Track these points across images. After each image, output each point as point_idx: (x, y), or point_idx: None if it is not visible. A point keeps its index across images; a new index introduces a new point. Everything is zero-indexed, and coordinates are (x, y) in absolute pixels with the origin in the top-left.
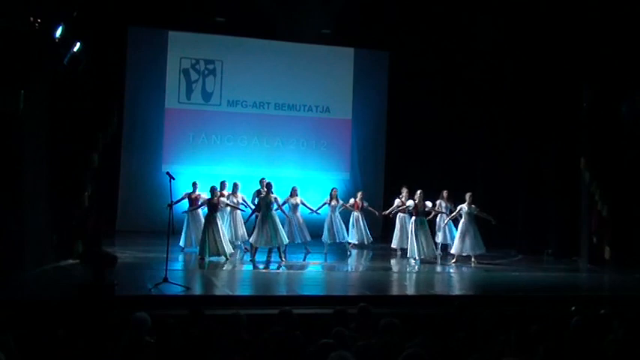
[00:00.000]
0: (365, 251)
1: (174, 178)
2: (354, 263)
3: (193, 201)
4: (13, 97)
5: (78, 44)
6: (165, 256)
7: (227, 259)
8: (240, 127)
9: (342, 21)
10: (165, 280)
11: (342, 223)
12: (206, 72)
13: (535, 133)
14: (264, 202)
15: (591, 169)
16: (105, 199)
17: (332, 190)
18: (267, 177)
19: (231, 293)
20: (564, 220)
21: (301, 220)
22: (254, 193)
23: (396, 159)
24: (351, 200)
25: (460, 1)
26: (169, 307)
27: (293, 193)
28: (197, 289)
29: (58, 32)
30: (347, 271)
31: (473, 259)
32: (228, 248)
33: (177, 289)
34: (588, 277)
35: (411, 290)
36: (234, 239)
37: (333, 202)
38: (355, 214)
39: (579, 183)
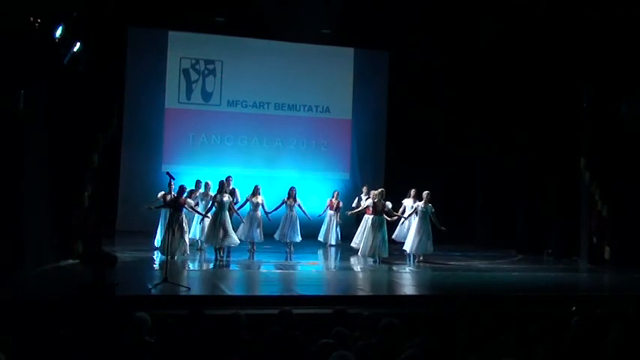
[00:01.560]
0: (342, 250)
1: (174, 178)
2: (352, 263)
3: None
4: (13, 97)
5: (78, 44)
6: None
7: (182, 256)
8: (240, 127)
9: (342, 21)
10: (166, 280)
11: (297, 223)
12: (206, 72)
13: (535, 133)
14: (218, 202)
15: (591, 169)
16: (105, 199)
17: (290, 188)
18: (267, 177)
19: (231, 293)
20: (564, 220)
21: (259, 220)
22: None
23: (396, 159)
24: (328, 200)
25: (460, 1)
26: (169, 307)
27: (255, 191)
28: (197, 289)
29: (58, 32)
30: (346, 271)
31: (421, 258)
32: (182, 251)
33: (177, 289)
34: (588, 277)
35: (410, 290)
36: (200, 237)
37: (290, 201)
38: (330, 212)
39: (579, 183)
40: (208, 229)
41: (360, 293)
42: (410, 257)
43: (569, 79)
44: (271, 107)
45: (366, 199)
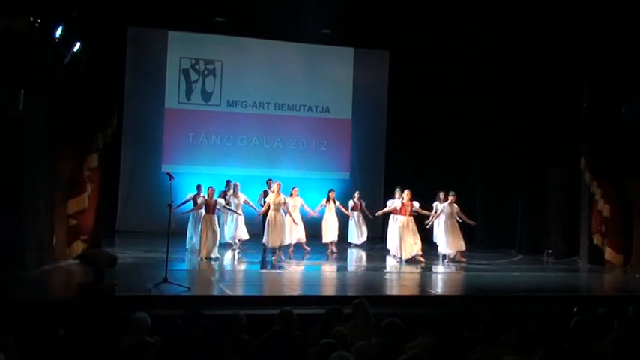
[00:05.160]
0: (364, 251)
1: (174, 178)
2: (355, 263)
3: (196, 203)
4: (13, 98)
5: (78, 44)
6: (165, 256)
7: (215, 259)
8: (240, 127)
9: (342, 21)
10: (166, 280)
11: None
12: (206, 72)
13: (535, 132)
14: (274, 203)
15: (591, 169)
16: (105, 199)
17: (330, 191)
18: (267, 177)
19: (231, 293)
20: (564, 220)
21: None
22: (261, 194)
23: (396, 159)
24: (351, 202)
25: (460, 1)
26: (169, 307)
27: (293, 193)
28: (197, 289)
29: (58, 32)
30: (347, 271)
31: (457, 257)
32: (215, 251)
33: (177, 289)
34: (588, 277)
35: (411, 290)
36: (231, 239)
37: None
38: (355, 214)
39: (579, 183)
40: (270, 231)
41: (358, 293)
42: (442, 257)
43: (569, 79)
44: (271, 107)
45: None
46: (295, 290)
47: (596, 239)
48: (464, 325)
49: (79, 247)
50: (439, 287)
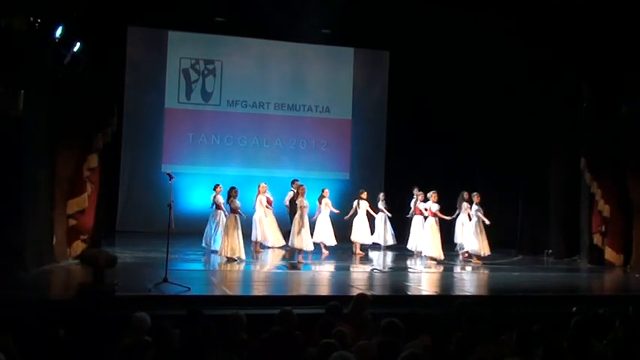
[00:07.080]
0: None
1: (174, 178)
2: (358, 264)
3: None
4: (13, 98)
5: (78, 44)
6: (165, 256)
7: (240, 260)
8: (240, 127)
9: (342, 21)
10: (166, 280)
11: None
12: (206, 72)
13: (535, 132)
14: (300, 206)
15: (591, 169)
16: (105, 199)
17: (362, 192)
18: (267, 177)
19: (231, 293)
20: (564, 220)
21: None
22: (289, 195)
23: (396, 159)
24: (381, 204)
25: (459, 1)
26: (169, 307)
27: (325, 194)
28: (197, 289)
29: (58, 32)
30: (349, 271)
31: (476, 259)
32: (241, 252)
33: (177, 289)
34: (588, 277)
35: (411, 290)
36: (252, 238)
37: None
38: (383, 216)
39: (579, 183)
40: (296, 232)
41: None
42: (462, 254)
43: (569, 79)
44: (271, 107)
45: (421, 200)
46: (323, 290)
47: (597, 239)
48: (464, 325)
49: (79, 247)
50: (440, 287)
